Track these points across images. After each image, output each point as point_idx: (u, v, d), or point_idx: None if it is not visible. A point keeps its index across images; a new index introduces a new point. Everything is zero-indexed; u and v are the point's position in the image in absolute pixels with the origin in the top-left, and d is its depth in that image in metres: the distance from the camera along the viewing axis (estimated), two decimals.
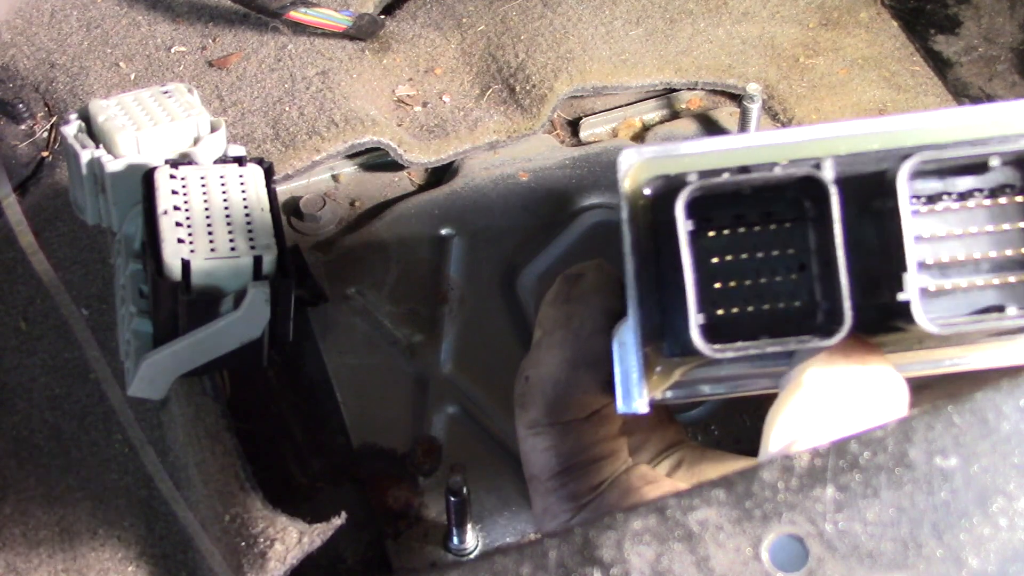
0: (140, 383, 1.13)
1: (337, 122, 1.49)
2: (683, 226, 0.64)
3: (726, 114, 1.59)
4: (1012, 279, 0.67)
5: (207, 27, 1.64)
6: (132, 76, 1.59)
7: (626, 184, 0.66)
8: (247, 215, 1.10)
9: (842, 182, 0.65)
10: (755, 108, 1.48)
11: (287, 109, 1.52)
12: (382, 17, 1.66)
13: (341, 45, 1.61)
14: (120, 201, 1.17)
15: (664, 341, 0.68)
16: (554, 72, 1.57)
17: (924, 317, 0.63)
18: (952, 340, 0.66)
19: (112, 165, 1.16)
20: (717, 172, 0.66)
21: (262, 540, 1.14)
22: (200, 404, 1.23)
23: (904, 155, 0.65)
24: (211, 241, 1.07)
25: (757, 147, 0.66)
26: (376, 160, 1.53)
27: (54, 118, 1.57)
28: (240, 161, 1.16)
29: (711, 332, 0.64)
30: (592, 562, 0.55)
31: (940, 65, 1.65)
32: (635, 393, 0.68)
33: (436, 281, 1.38)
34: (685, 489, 0.59)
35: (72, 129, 1.20)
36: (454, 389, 1.30)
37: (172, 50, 1.62)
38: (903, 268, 0.63)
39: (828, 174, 0.65)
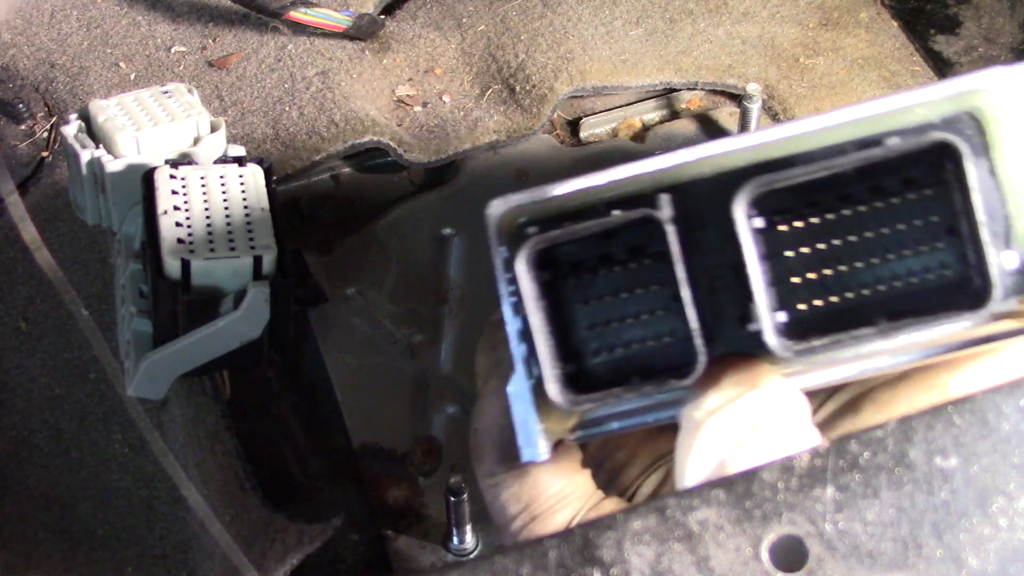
0: (140, 383, 1.13)
1: (337, 122, 1.49)
2: (527, 281, 0.64)
3: (726, 114, 1.59)
4: (883, 288, 0.65)
5: (207, 27, 1.64)
6: (132, 76, 1.59)
7: (497, 235, 0.67)
8: (247, 215, 1.10)
9: (707, 206, 0.63)
10: (755, 108, 1.48)
11: (287, 109, 1.52)
12: (382, 17, 1.66)
13: (341, 45, 1.61)
14: (120, 201, 1.17)
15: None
16: (554, 72, 1.57)
17: (777, 345, 0.62)
18: (820, 361, 0.65)
19: (112, 165, 1.16)
20: (558, 220, 0.65)
21: (262, 540, 1.14)
22: (200, 404, 1.23)
23: (768, 170, 0.63)
24: (211, 241, 1.07)
25: (623, 179, 0.64)
26: (376, 160, 1.53)
27: (54, 118, 1.57)
28: (240, 161, 1.16)
29: (582, 378, 0.64)
30: (592, 562, 0.55)
31: (940, 65, 1.65)
32: (534, 441, 0.67)
33: (436, 281, 1.38)
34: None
35: (72, 129, 1.20)
36: (454, 389, 1.30)
37: (172, 50, 1.62)
38: (750, 298, 0.62)
39: (665, 212, 0.63)
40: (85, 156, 1.17)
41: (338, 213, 1.47)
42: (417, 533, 1.21)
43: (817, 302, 0.65)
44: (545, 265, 0.65)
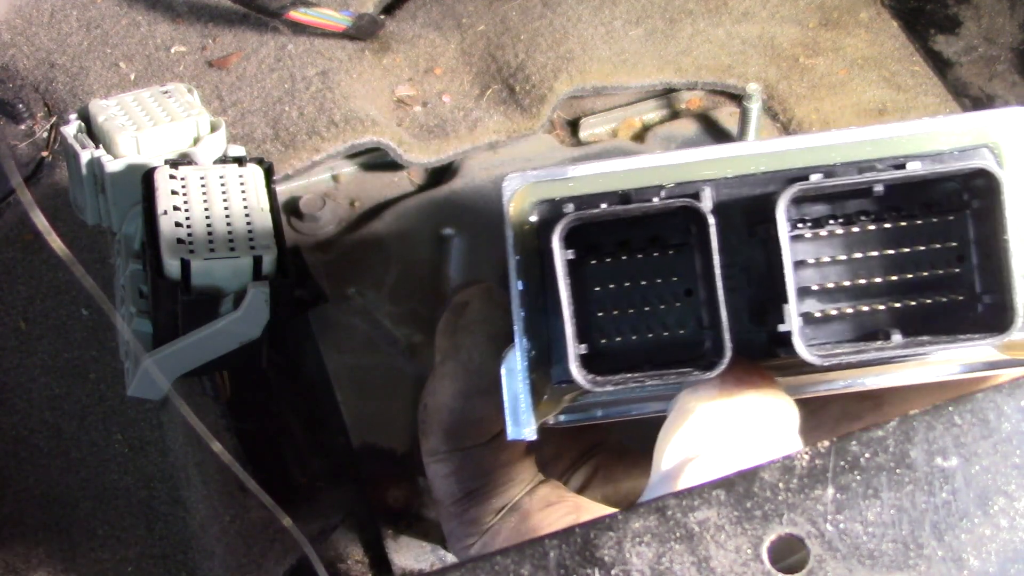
0: (140, 383, 1.13)
1: (337, 122, 1.49)
2: (560, 256, 0.63)
3: (726, 114, 1.58)
4: (898, 304, 0.66)
5: (207, 27, 1.64)
6: (132, 76, 1.59)
7: (511, 209, 0.66)
8: (247, 215, 1.10)
9: (726, 207, 0.64)
10: (755, 108, 1.48)
11: (287, 109, 1.52)
12: (382, 17, 1.66)
13: (341, 45, 1.61)
14: (120, 201, 1.17)
15: (552, 368, 0.67)
16: (554, 72, 1.57)
17: (804, 349, 0.62)
18: (835, 367, 0.65)
19: (112, 165, 1.16)
20: (603, 198, 0.65)
21: (262, 540, 1.14)
22: (200, 404, 1.23)
23: (792, 177, 0.63)
24: (211, 241, 1.07)
25: (645, 169, 0.65)
26: (376, 160, 1.52)
27: (54, 118, 1.57)
28: (240, 161, 1.16)
29: (595, 360, 0.63)
30: (592, 562, 0.55)
31: (940, 65, 1.65)
32: (523, 420, 0.67)
33: (436, 281, 1.38)
34: (577, 520, 0.58)
35: (72, 129, 1.20)
36: None
37: (172, 50, 1.62)
38: (784, 299, 0.62)
39: (707, 203, 0.63)
40: (85, 156, 1.17)
41: (338, 213, 1.47)
42: (417, 533, 1.21)
43: (832, 310, 0.66)
44: (568, 245, 0.64)
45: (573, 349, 0.63)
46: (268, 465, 1.25)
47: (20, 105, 1.57)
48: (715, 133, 1.57)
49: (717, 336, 0.63)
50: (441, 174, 1.52)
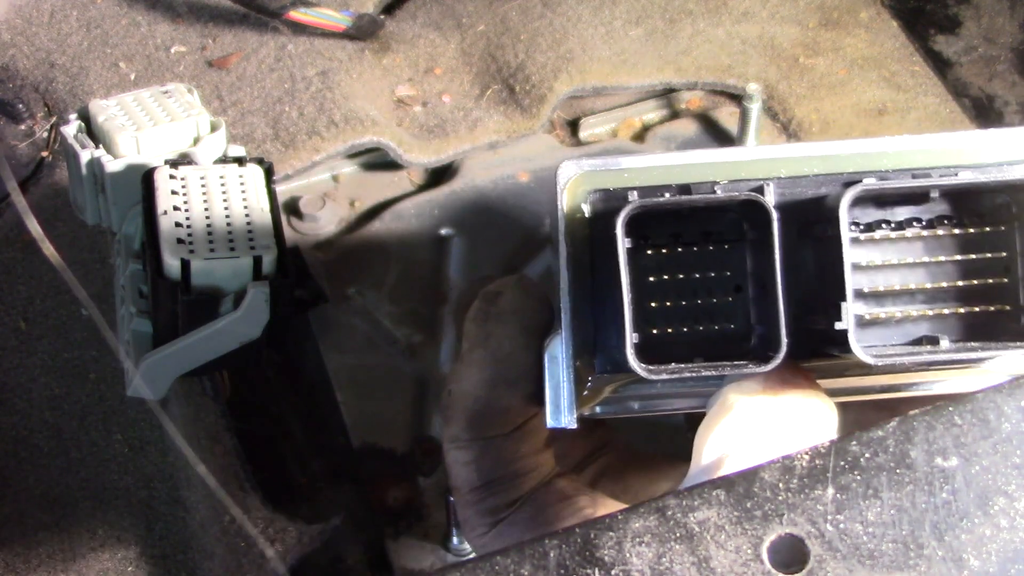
0: (140, 383, 1.13)
1: (337, 122, 1.49)
2: (623, 245, 0.63)
3: (726, 114, 1.58)
4: (946, 311, 0.66)
5: (207, 27, 1.64)
6: (132, 76, 1.59)
7: (565, 197, 0.66)
8: (247, 215, 1.10)
9: (782, 206, 0.64)
10: (755, 108, 1.48)
11: (287, 109, 1.52)
12: (382, 17, 1.66)
13: (341, 45, 1.61)
14: (120, 201, 1.17)
15: (596, 357, 0.67)
16: (554, 72, 1.57)
17: (859, 348, 0.62)
18: (885, 368, 0.66)
19: (112, 165, 1.16)
20: (658, 190, 0.65)
21: (262, 540, 1.14)
22: (200, 404, 1.23)
23: (845, 181, 0.64)
24: (211, 241, 1.07)
25: (698, 164, 0.65)
26: (376, 160, 1.52)
27: (54, 118, 1.57)
28: (240, 161, 1.16)
29: (644, 351, 0.63)
30: (592, 562, 0.55)
31: (940, 65, 1.65)
32: (564, 408, 0.67)
33: (436, 281, 1.38)
34: (596, 511, 0.58)
35: (72, 129, 1.20)
36: None
37: (172, 50, 1.62)
38: (842, 297, 0.62)
39: (770, 198, 0.64)
40: (85, 156, 1.17)
41: (338, 213, 1.47)
42: (417, 533, 1.21)
43: (881, 314, 0.66)
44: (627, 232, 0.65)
45: (630, 337, 0.63)
46: (268, 465, 1.25)
47: (20, 105, 1.57)
48: (715, 133, 1.57)
49: (773, 331, 0.63)
50: (441, 174, 1.52)
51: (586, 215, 0.66)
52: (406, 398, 1.30)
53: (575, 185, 0.66)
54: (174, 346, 1.10)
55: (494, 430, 0.77)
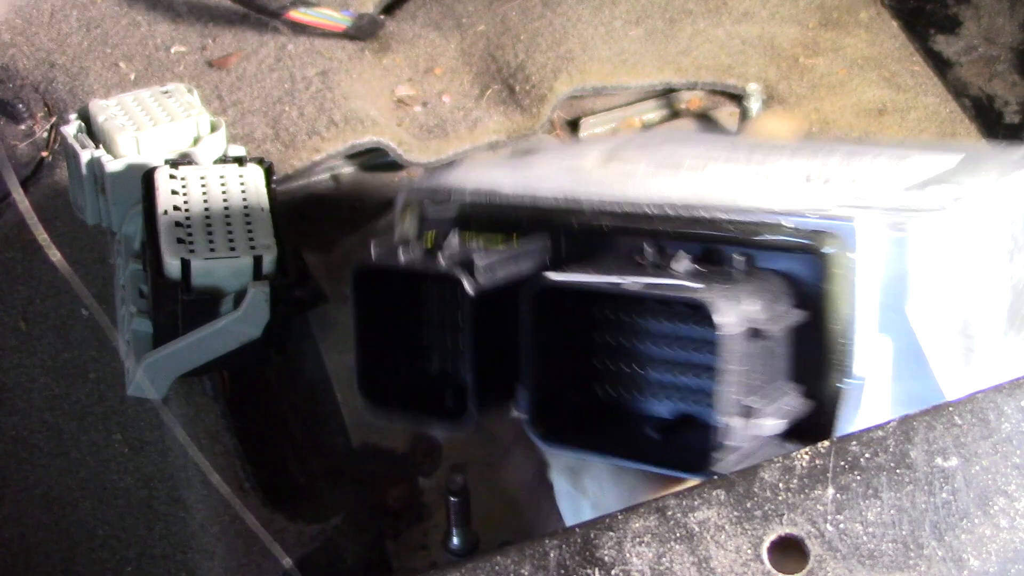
0: (140, 383, 1.13)
1: (337, 122, 1.49)
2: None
3: (726, 114, 1.59)
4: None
5: (207, 27, 1.64)
6: (132, 76, 1.59)
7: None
8: (247, 215, 1.10)
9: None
10: (755, 108, 1.48)
11: (287, 109, 1.52)
12: (382, 17, 1.66)
13: (341, 45, 1.61)
14: (120, 201, 1.17)
15: None
16: (554, 72, 1.57)
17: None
18: None
19: (112, 165, 1.16)
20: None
21: (263, 535, 1.14)
22: (200, 404, 1.23)
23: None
24: (211, 241, 1.07)
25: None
26: (376, 160, 1.53)
27: (54, 118, 1.57)
28: (240, 161, 1.16)
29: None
30: (592, 562, 0.55)
31: (940, 65, 1.65)
32: None
33: None
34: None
35: (72, 129, 1.20)
36: None
37: (172, 50, 1.62)
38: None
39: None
40: (85, 156, 1.17)
41: (338, 213, 1.47)
42: (417, 533, 1.21)
43: None
44: None
45: None
46: (268, 465, 1.25)
47: (20, 105, 1.57)
48: (715, 133, 1.57)
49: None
50: None
51: None
52: None
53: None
54: (174, 346, 1.10)
55: None
